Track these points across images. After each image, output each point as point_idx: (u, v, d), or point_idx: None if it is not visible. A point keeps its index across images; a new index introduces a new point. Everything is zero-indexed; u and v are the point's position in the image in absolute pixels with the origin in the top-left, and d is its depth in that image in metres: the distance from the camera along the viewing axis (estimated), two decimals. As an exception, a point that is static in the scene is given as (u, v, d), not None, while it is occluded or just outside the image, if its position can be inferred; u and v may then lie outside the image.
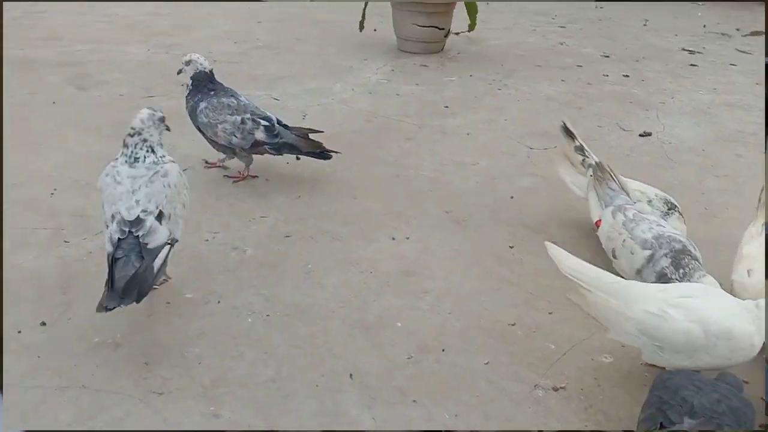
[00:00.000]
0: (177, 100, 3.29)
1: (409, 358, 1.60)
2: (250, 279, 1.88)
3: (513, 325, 1.74)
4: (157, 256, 1.55)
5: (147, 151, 1.66)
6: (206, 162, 2.60)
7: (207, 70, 2.41)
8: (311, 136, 2.49)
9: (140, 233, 1.54)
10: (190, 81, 2.43)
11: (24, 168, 2.47)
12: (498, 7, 6.28)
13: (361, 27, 4.37)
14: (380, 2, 4.41)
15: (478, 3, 4.40)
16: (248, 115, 2.39)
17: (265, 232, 2.15)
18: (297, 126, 2.58)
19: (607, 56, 4.63)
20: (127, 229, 1.55)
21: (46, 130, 2.84)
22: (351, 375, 1.54)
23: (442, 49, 4.55)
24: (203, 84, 2.40)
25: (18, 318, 1.66)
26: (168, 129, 1.75)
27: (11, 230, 2.05)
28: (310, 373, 1.54)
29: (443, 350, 1.63)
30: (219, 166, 2.57)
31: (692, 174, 2.73)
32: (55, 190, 2.31)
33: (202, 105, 2.38)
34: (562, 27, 5.59)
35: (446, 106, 3.44)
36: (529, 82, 3.91)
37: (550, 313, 1.81)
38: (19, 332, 1.62)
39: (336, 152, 2.49)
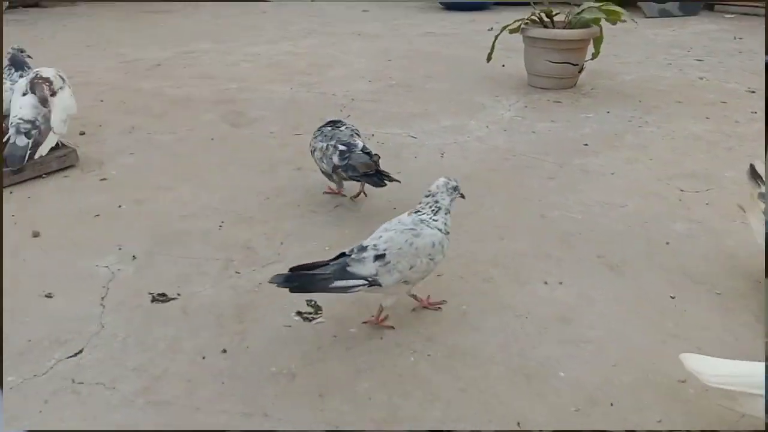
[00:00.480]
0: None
1: (576, 410, 1.57)
2: (407, 317, 1.93)
3: (683, 382, 1.67)
4: (346, 280, 1.70)
5: (432, 211, 1.88)
6: (326, 190, 2.79)
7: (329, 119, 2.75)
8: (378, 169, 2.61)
9: (351, 255, 1.73)
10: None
11: (193, 201, 2.70)
12: (628, 39, 6.13)
13: (489, 58, 4.40)
14: (508, 37, 4.43)
15: (623, 20, 4.30)
16: (333, 142, 2.57)
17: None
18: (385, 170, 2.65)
19: (753, 91, 4.37)
20: (349, 249, 1.78)
21: (209, 165, 3.09)
22: (518, 423, 1.54)
23: (574, 85, 4.49)
24: (324, 127, 2.71)
25: (201, 344, 1.81)
26: (462, 197, 1.99)
27: (187, 259, 2.24)
28: (478, 417, 1.55)
29: (612, 404, 1.59)
30: (336, 193, 2.74)
31: None
32: (222, 222, 2.50)
33: (314, 134, 2.72)
34: (699, 60, 5.35)
35: (585, 144, 3.38)
36: (672, 119, 3.76)
37: (720, 371, 1.71)
38: (204, 358, 1.75)
39: (395, 180, 2.54)
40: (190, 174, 2.98)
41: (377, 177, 2.49)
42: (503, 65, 5.03)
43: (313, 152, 2.66)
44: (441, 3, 8.57)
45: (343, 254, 1.76)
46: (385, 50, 5.83)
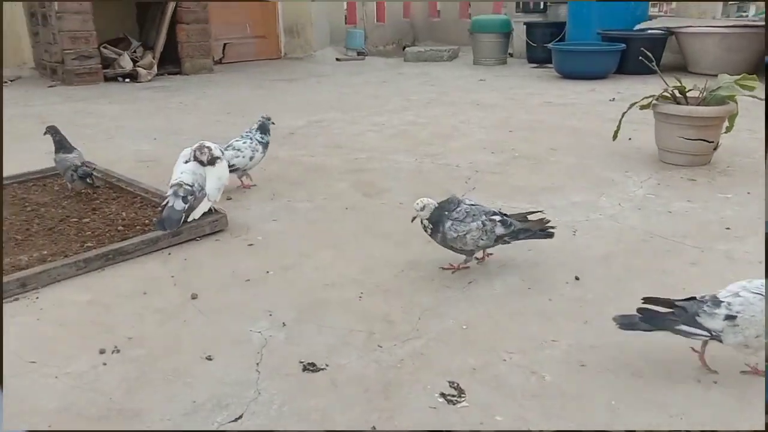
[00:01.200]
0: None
1: None
2: (555, 408, 1.90)
3: None
4: (690, 326, 1.95)
5: None
6: (445, 267, 2.79)
7: (437, 205, 2.64)
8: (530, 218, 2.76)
9: (704, 306, 1.95)
10: (428, 223, 2.66)
11: (333, 269, 2.83)
12: (761, 113, 5.83)
13: (615, 136, 4.36)
14: (633, 109, 4.37)
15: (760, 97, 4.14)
16: (484, 217, 2.63)
17: (559, 358, 2.17)
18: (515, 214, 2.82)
19: None
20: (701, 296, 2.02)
21: (346, 233, 3.24)
22: None
23: (709, 162, 4.33)
24: (438, 217, 2.63)
25: (352, 418, 1.86)
26: None
27: (332, 329, 2.34)
28: None
29: None
30: (460, 268, 2.76)
31: None
32: (362, 293, 2.60)
33: (447, 225, 2.61)
34: None
35: (727, 228, 3.23)
36: (825, 204, 3.52)
37: None
38: (356, 433, 1.81)
39: (552, 229, 2.72)
40: (328, 242, 3.13)
41: (542, 231, 2.72)
42: (630, 138, 4.94)
43: (463, 236, 2.59)
44: (558, 72, 8.61)
45: (693, 298, 1.97)
46: (505, 120, 5.91)
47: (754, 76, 4.22)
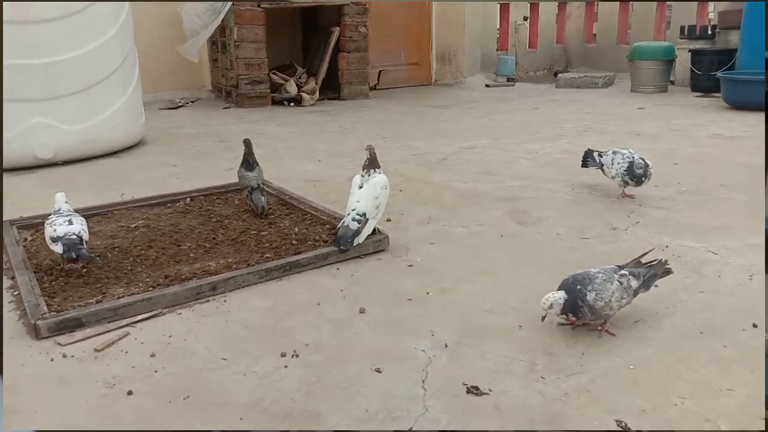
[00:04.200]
0: (611, 244, 3.48)
1: None
2: (734, 461, 1.81)
3: None
4: None
5: None
6: (564, 323, 2.60)
7: (562, 300, 2.44)
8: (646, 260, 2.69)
9: None
10: (564, 314, 2.50)
11: (491, 296, 2.88)
12: None
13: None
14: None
15: None
16: (617, 276, 2.50)
17: (736, 408, 2.05)
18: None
19: None
20: None
21: (502, 261, 3.28)
22: None
23: None
24: (573, 300, 2.44)
25: (515, 444, 1.90)
26: None
27: (493, 355, 2.39)
28: None
29: None
30: (579, 325, 2.56)
31: None
32: (522, 323, 2.63)
33: (591, 298, 2.42)
34: None
35: None
36: None
37: None
38: (519, 459, 1.84)
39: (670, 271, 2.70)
40: (484, 269, 3.19)
41: (665, 272, 2.71)
42: (813, 178, 4.51)
43: (609, 302, 2.46)
44: (727, 102, 8.05)
45: None
46: (669, 152, 5.64)
47: None
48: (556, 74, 11.81)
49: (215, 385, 2.24)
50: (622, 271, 2.55)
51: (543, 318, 2.50)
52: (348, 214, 3.34)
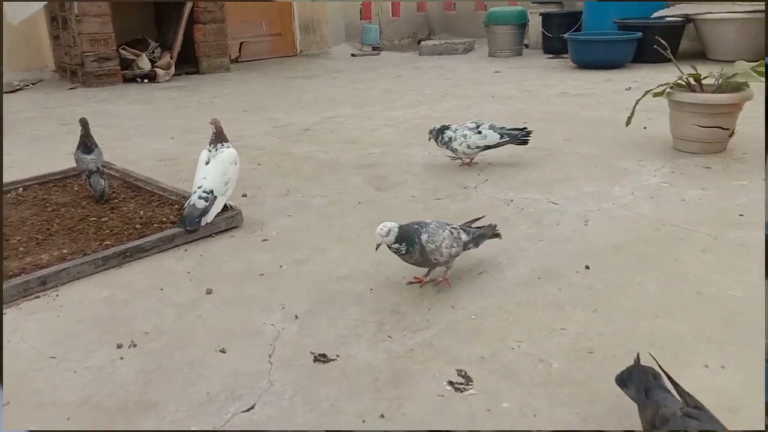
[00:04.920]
0: (462, 203, 3.59)
1: None
2: (561, 395, 1.92)
3: None
4: None
5: None
6: (412, 281, 2.66)
7: (397, 228, 2.47)
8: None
9: None
10: (399, 245, 2.47)
11: (346, 263, 2.87)
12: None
13: (628, 122, 4.31)
14: (648, 98, 4.34)
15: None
16: (449, 227, 2.60)
17: (567, 345, 2.18)
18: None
19: None
20: None
21: (359, 227, 3.27)
22: None
23: (724, 149, 4.28)
24: (409, 234, 2.48)
25: (361, 407, 1.90)
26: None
27: (343, 320, 2.38)
28: None
29: None
30: (425, 281, 2.64)
31: None
32: (373, 286, 2.64)
33: (425, 238, 2.47)
34: None
35: (741, 215, 3.20)
36: (842, 189, 3.47)
37: None
38: (363, 421, 1.85)
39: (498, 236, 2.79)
40: (341, 236, 3.17)
41: (494, 235, 2.79)
42: (645, 127, 4.91)
43: (439, 246, 2.51)
44: (574, 62, 8.55)
45: None
46: (520, 112, 5.90)
47: None
48: (419, 42, 11.98)
49: (42, 386, 2.05)
50: (454, 225, 2.63)
51: (377, 247, 2.46)
52: (194, 192, 3.18)
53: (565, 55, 9.17)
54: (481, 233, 2.72)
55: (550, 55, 9.81)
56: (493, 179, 3.98)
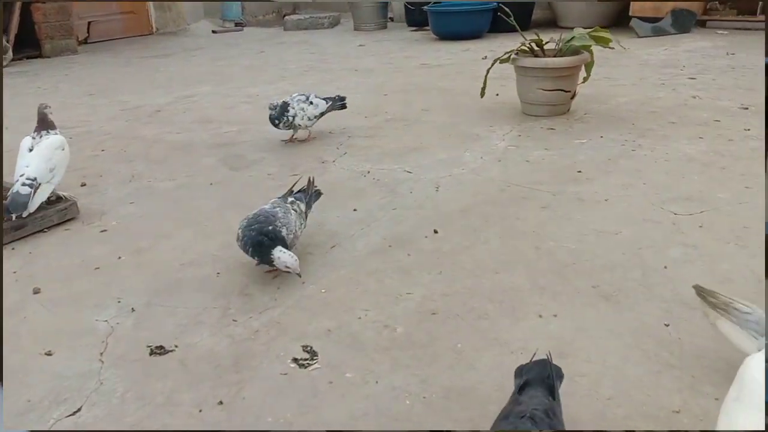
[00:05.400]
0: (320, 177, 3.53)
1: (573, 449, 1.57)
2: (403, 359, 1.94)
3: (678, 412, 1.66)
4: None
5: None
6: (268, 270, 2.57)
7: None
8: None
9: None
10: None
11: (192, 248, 2.74)
12: (621, 61, 6.19)
13: (482, 93, 4.46)
14: (500, 66, 4.51)
15: (611, 47, 4.36)
16: (290, 207, 2.55)
17: (413, 309, 2.21)
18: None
19: (746, 108, 4.39)
20: None
21: (208, 210, 3.14)
22: (514, 464, 1.53)
23: (568, 111, 4.53)
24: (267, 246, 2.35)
25: (199, 396, 1.82)
26: None
27: (185, 309, 2.27)
28: (473, 460, 1.55)
29: (608, 441, 1.59)
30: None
31: None
32: (220, 270, 2.53)
33: (284, 233, 2.40)
34: (692, 78, 5.39)
35: (579, 171, 3.41)
36: (665, 141, 3.78)
37: (716, 399, 1.71)
38: (200, 411, 1.77)
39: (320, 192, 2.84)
40: (189, 220, 3.02)
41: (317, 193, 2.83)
42: (497, 94, 5.09)
43: (294, 237, 2.49)
44: (435, 33, 8.71)
45: None
46: (381, 85, 5.91)
47: (607, 29, 4.45)
48: (284, 17, 11.69)
49: None
50: (290, 199, 2.58)
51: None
52: (17, 181, 2.89)
53: (427, 28, 9.30)
54: (311, 195, 2.71)
55: (414, 28, 9.91)
56: (352, 152, 3.96)
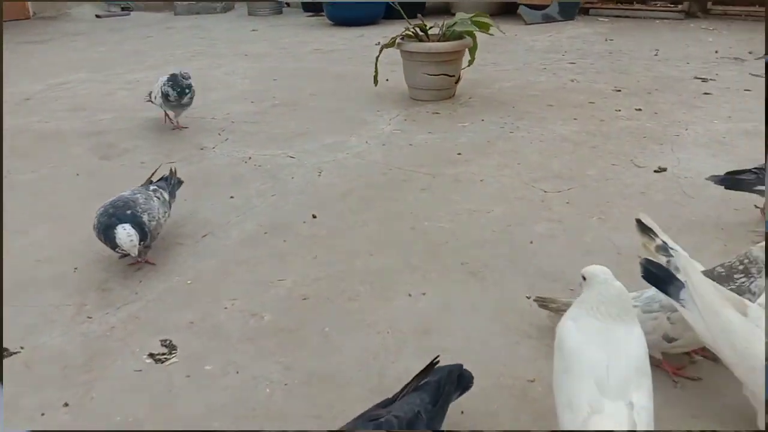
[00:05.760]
0: (197, 164, 3.40)
1: (428, 423, 1.58)
2: (268, 347, 1.89)
3: (533, 381, 1.72)
4: None
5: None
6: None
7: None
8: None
9: None
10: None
11: (50, 243, 2.55)
12: (508, 47, 6.37)
13: (376, 81, 4.45)
14: (392, 52, 4.53)
15: (491, 33, 4.46)
16: (152, 194, 2.46)
17: (283, 296, 2.17)
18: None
19: (619, 90, 4.64)
20: None
21: (72, 202, 2.94)
22: (370, 444, 1.53)
23: (453, 95, 4.61)
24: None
25: (42, 399, 1.69)
26: None
27: (36, 308, 2.11)
28: (330, 444, 1.53)
29: (462, 412, 1.61)
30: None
31: (711, 209, 2.69)
32: (79, 265, 2.37)
33: (145, 218, 2.28)
34: (572, 63, 5.63)
35: (459, 154, 3.47)
36: (542, 123, 3.92)
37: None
38: (43, 414, 1.65)
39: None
40: (49, 214, 2.82)
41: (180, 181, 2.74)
42: (387, 80, 5.09)
43: (158, 224, 2.36)
44: (330, 19, 8.63)
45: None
46: (271, 70, 5.78)
47: (487, 14, 4.54)
48: (174, 1, 11.18)
49: None
50: (153, 187, 2.47)
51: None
52: None
53: (323, 14, 9.20)
54: (173, 184, 2.62)
55: (310, 13, 9.77)
56: (234, 138, 3.84)
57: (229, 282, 2.26)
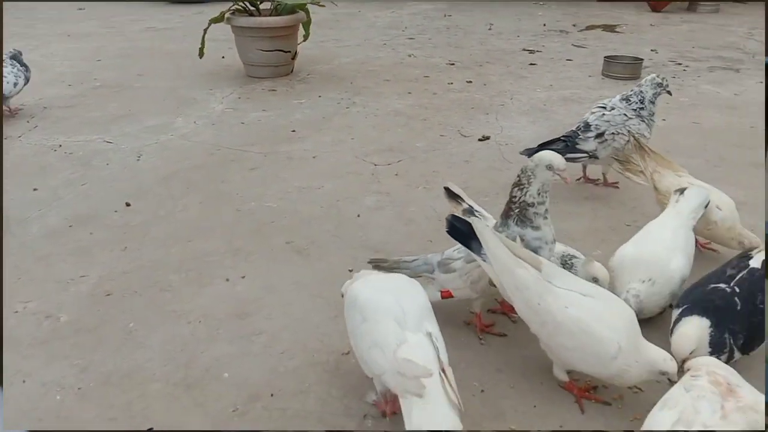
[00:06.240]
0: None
1: (234, 411, 1.50)
2: (63, 349, 1.71)
3: (347, 353, 1.69)
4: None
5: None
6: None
7: None
8: None
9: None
10: None
11: None
12: (350, 23, 6.36)
13: (201, 54, 4.23)
14: (228, 28, 4.33)
15: (323, 4, 4.41)
16: None
17: (85, 293, 1.97)
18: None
19: (453, 64, 4.78)
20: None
21: None
22: (169, 441, 1.42)
23: (291, 72, 4.50)
24: None
25: None
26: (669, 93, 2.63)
27: None
28: (124, 448, 1.41)
29: (272, 395, 1.55)
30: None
31: (528, 172, 2.82)
32: None
33: None
34: (411, 38, 5.73)
35: (293, 131, 3.39)
36: (378, 98, 3.94)
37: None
38: None
39: None
40: None
41: None
42: (223, 57, 4.89)
43: None
44: (167, -4, 8.14)
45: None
46: (96, 50, 5.33)
47: None
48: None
49: None
50: None
51: None
52: None
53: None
54: None
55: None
56: (45, 125, 3.48)
57: (23, 282, 2.02)
